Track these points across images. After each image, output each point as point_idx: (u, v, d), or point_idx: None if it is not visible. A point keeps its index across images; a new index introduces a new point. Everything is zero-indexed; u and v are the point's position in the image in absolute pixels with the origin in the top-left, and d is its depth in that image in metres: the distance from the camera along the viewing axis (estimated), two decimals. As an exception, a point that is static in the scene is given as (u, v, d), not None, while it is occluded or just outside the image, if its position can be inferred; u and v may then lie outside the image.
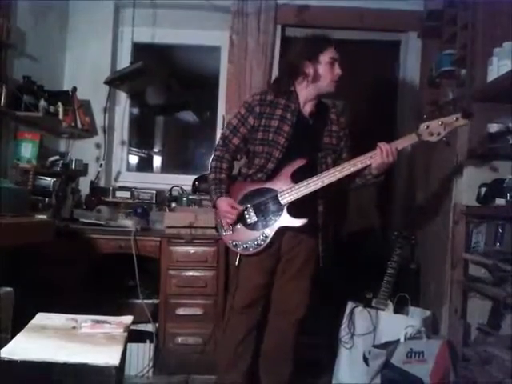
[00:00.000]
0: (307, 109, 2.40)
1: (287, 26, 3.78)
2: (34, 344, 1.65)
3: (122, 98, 3.85)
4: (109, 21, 3.71)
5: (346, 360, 2.86)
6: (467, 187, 2.78)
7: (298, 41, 2.46)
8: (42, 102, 3.04)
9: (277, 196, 2.29)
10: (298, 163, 2.29)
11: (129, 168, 3.96)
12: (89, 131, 3.58)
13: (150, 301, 3.04)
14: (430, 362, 2.65)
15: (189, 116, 4.50)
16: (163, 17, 3.75)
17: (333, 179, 2.25)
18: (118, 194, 3.47)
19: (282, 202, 2.28)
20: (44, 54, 3.36)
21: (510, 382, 2.24)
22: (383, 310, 2.83)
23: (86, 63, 3.65)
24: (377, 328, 2.77)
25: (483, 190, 2.69)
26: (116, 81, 3.51)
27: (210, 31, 3.79)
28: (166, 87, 3.93)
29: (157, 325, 2.97)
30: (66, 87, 3.54)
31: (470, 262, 2.78)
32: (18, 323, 1.89)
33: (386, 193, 3.92)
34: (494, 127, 2.62)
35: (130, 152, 3.98)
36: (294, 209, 2.29)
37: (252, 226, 2.32)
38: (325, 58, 2.33)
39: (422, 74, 3.73)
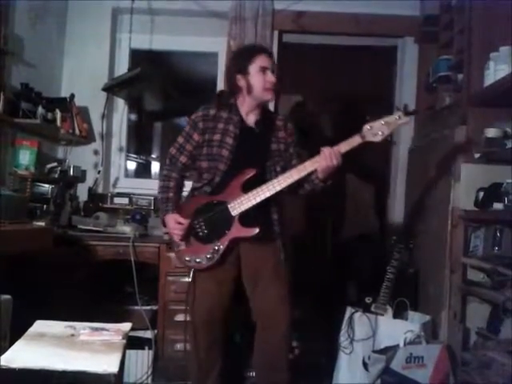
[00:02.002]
0: (251, 119, 2.40)
1: (284, 31, 3.80)
2: (32, 352, 1.65)
3: (120, 104, 3.85)
4: (107, 27, 3.72)
5: (345, 365, 2.86)
6: (465, 191, 2.78)
7: (231, 55, 2.48)
8: (40, 109, 3.04)
9: (227, 208, 2.28)
10: (248, 173, 2.29)
11: (127, 174, 3.96)
12: (87, 138, 3.58)
13: (148, 307, 3.03)
14: (429, 367, 2.64)
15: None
16: (161, 23, 3.77)
17: (279, 188, 2.25)
18: (116, 200, 3.47)
19: (232, 214, 2.28)
20: (42, 60, 3.36)
21: (509, 386, 2.24)
22: (382, 315, 2.83)
23: (84, 70, 3.65)
24: (376, 333, 2.77)
25: (481, 194, 2.70)
26: (114, 87, 3.51)
27: (208, 37, 3.80)
28: (164, 93, 3.92)
29: (155, 331, 2.96)
30: (64, 94, 3.54)
31: (469, 266, 2.78)
32: (17, 331, 1.88)
33: (383, 198, 3.93)
34: (491, 132, 2.63)
35: (128, 158, 3.99)
36: (247, 219, 2.28)
37: (204, 240, 2.31)
38: (254, 67, 2.32)
39: (418, 79, 3.75)
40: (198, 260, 2.31)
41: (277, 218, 2.40)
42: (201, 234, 2.32)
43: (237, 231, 2.28)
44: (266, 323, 2.39)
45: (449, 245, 2.84)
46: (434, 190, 3.13)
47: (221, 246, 2.29)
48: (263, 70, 2.32)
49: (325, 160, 2.22)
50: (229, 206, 2.28)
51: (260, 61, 2.32)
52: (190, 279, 2.35)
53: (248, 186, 2.28)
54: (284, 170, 2.36)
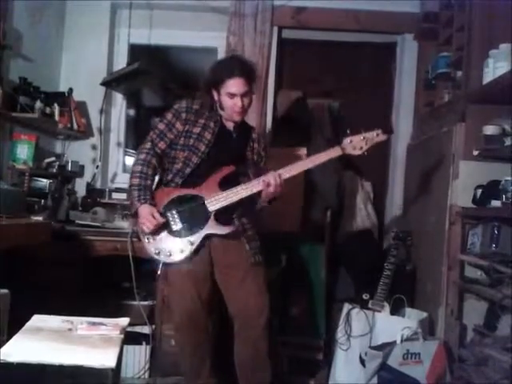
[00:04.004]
0: (230, 123, 2.42)
1: (284, 27, 3.79)
2: (30, 346, 1.65)
3: (119, 99, 3.85)
4: (105, 22, 3.71)
5: (342, 361, 2.86)
6: (463, 188, 2.78)
7: (210, 66, 2.43)
8: (38, 103, 3.03)
9: (204, 203, 2.27)
10: (227, 171, 2.31)
11: (125, 169, 3.95)
12: (85, 132, 3.57)
13: (146, 302, 3.03)
14: (426, 364, 2.65)
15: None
16: (160, 18, 3.75)
17: (254, 191, 2.28)
18: (114, 195, 3.46)
19: (209, 209, 2.27)
20: (40, 55, 3.35)
21: (506, 383, 2.24)
22: (380, 311, 2.84)
23: (83, 64, 3.64)
24: (373, 329, 2.77)
25: (479, 191, 2.70)
26: (112, 82, 3.50)
27: (207, 32, 3.79)
28: (163, 89, 3.92)
29: (153, 327, 2.96)
30: (63, 88, 3.54)
31: (466, 263, 2.79)
32: (14, 325, 1.88)
33: (381, 194, 3.94)
34: (489, 129, 2.63)
35: (126, 153, 3.97)
36: (221, 216, 2.29)
37: (177, 233, 2.29)
38: (224, 91, 2.31)
39: (418, 75, 3.74)
40: (168, 253, 2.28)
41: (240, 211, 2.38)
42: (174, 226, 2.29)
43: (212, 228, 2.27)
44: (244, 318, 2.35)
45: (446, 242, 2.85)
46: (433, 186, 3.14)
47: (194, 241, 2.27)
48: (231, 96, 2.30)
49: (267, 187, 2.26)
50: (206, 201, 2.27)
51: (230, 86, 2.30)
52: (158, 272, 2.31)
53: (223, 184, 2.29)
54: (256, 176, 2.37)
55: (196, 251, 2.29)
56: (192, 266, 2.30)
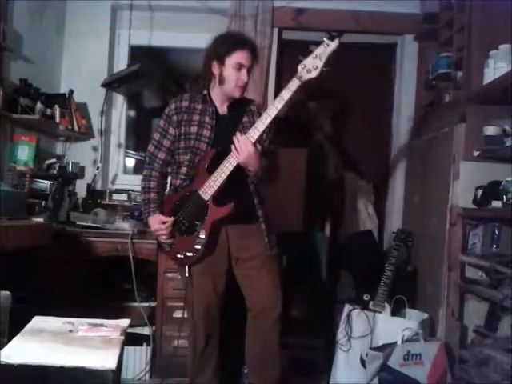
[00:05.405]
0: (225, 108, 2.37)
1: (284, 28, 3.79)
2: (30, 348, 1.65)
3: (119, 100, 3.85)
4: (106, 23, 3.72)
5: (343, 363, 2.86)
6: (464, 189, 2.78)
7: (213, 39, 2.36)
8: (39, 105, 3.04)
9: (199, 194, 2.27)
10: (209, 155, 2.27)
11: (126, 171, 3.96)
12: (86, 134, 3.58)
13: (146, 304, 3.04)
14: (427, 365, 2.65)
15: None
16: (160, 19, 3.76)
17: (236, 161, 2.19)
18: (115, 196, 3.47)
19: (205, 198, 2.26)
20: (41, 56, 3.36)
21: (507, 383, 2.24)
22: (380, 312, 2.83)
23: (83, 66, 3.65)
24: (374, 330, 2.77)
25: (479, 192, 2.70)
26: (113, 83, 3.51)
27: (207, 34, 3.76)
28: (163, 90, 3.93)
29: (154, 328, 2.96)
30: (63, 90, 3.54)
31: (467, 264, 2.78)
32: (15, 327, 1.88)
33: (382, 195, 3.94)
34: (490, 129, 2.63)
35: (126, 155, 3.98)
36: (221, 199, 2.25)
37: (187, 233, 2.31)
38: (231, 61, 2.24)
39: (418, 76, 3.75)
40: (188, 254, 2.30)
41: (257, 202, 2.37)
42: (183, 228, 2.31)
43: (214, 214, 2.26)
44: (259, 308, 2.38)
45: (447, 242, 2.84)
46: (433, 187, 3.14)
47: (204, 232, 2.27)
48: (239, 66, 2.25)
49: (240, 154, 2.16)
50: (200, 192, 2.27)
51: (238, 56, 2.24)
52: (187, 275, 2.33)
53: (212, 170, 2.26)
54: None
55: (211, 243, 2.29)
56: (210, 261, 2.33)
